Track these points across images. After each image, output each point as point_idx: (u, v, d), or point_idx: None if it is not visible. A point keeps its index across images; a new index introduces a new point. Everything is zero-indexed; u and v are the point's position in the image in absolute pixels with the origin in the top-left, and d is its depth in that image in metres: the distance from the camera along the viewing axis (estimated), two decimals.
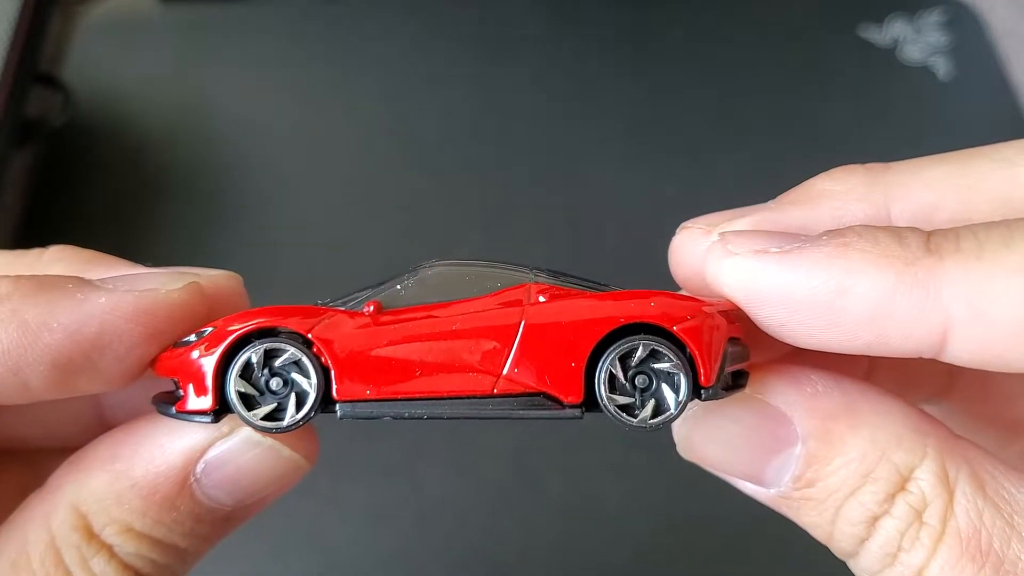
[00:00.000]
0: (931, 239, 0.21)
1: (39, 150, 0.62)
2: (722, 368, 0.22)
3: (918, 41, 0.67)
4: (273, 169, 0.63)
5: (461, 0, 0.70)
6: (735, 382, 0.23)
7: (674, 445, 0.26)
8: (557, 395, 0.22)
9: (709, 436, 0.24)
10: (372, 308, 0.22)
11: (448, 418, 0.22)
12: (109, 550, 0.23)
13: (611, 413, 0.22)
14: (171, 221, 0.60)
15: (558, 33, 0.69)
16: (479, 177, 0.62)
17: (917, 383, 0.31)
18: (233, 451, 0.24)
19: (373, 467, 0.50)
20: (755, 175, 0.56)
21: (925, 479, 0.22)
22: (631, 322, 0.22)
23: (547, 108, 0.65)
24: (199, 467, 0.24)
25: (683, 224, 0.26)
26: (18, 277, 0.23)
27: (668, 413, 0.22)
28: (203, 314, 0.24)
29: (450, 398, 0.22)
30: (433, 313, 0.22)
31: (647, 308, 0.22)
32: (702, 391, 0.22)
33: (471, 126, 0.65)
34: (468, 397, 0.22)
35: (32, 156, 0.61)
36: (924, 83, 0.66)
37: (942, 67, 0.66)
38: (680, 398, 0.22)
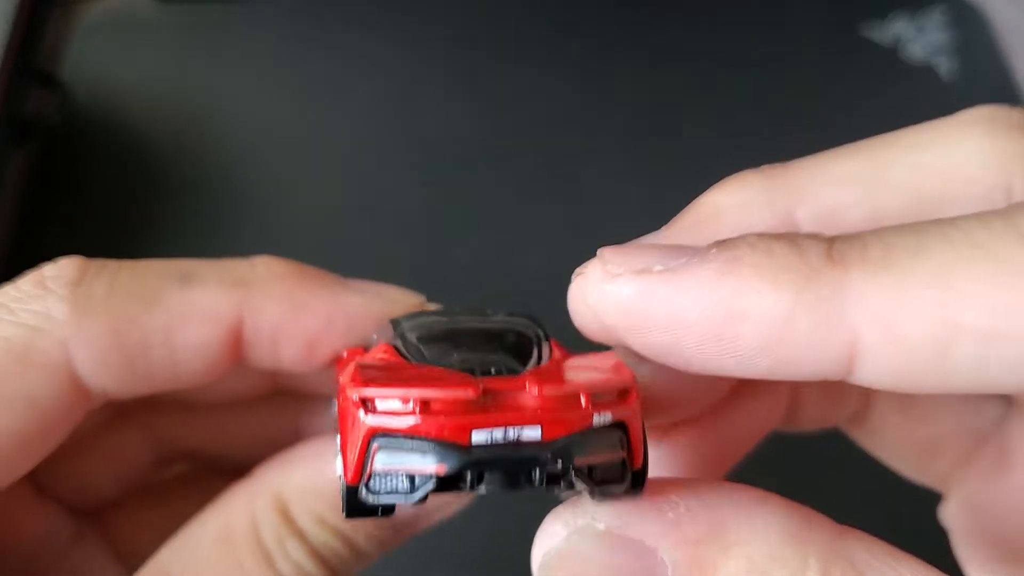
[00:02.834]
0: (834, 247, 0.19)
1: (36, 149, 0.61)
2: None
3: (920, 39, 0.67)
4: (273, 169, 0.62)
5: (462, 1, 0.70)
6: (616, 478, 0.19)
7: None
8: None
9: None
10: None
11: None
12: (302, 535, 0.25)
13: None
14: (170, 220, 0.60)
15: (558, 34, 0.68)
16: (479, 178, 0.62)
17: (839, 404, 0.30)
18: None
19: None
20: None
21: None
22: None
23: (547, 109, 0.65)
24: None
25: (577, 270, 0.23)
26: (291, 263, 0.28)
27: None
28: None
29: None
30: None
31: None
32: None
33: (471, 127, 0.64)
34: None
35: (29, 155, 0.61)
36: (927, 81, 0.65)
37: (945, 65, 0.66)
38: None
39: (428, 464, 0.17)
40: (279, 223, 0.60)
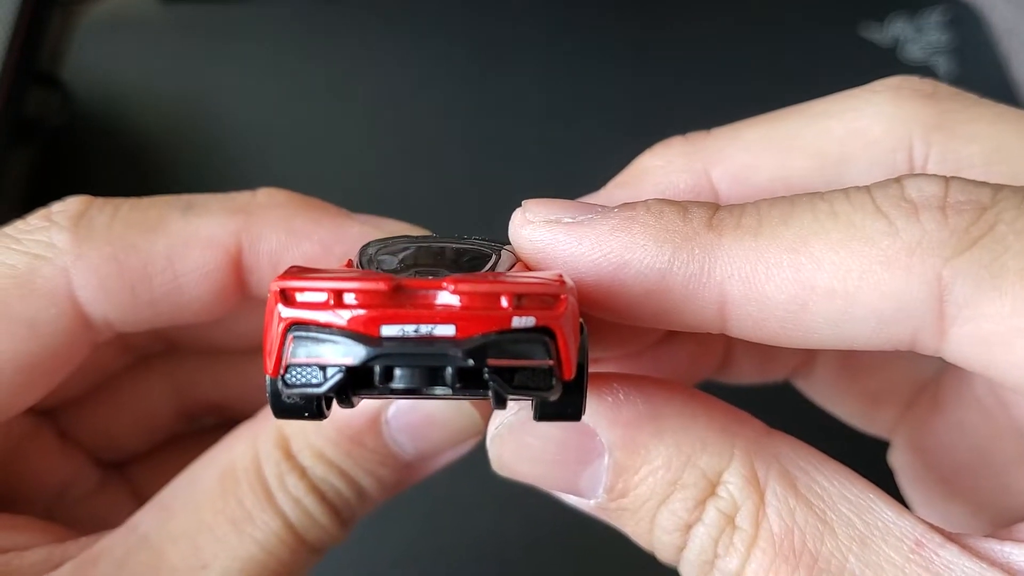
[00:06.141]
0: (716, 215, 0.21)
1: (38, 149, 0.62)
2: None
3: (919, 40, 0.67)
4: (273, 169, 0.62)
5: (461, 1, 0.70)
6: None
7: None
8: None
9: (519, 454, 0.24)
10: None
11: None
12: (302, 470, 0.26)
13: None
14: None
15: (558, 32, 0.68)
16: (479, 177, 0.62)
17: (777, 360, 0.31)
18: (421, 400, 0.25)
19: None
20: None
21: (734, 482, 0.21)
22: None
23: (547, 108, 0.65)
24: (391, 410, 0.26)
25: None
26: (293, 194, 0.29)
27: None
28: None
29: None
30: None
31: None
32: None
33: (471, 126, 0.64)
34: None
35: (31, 155, 0.61)
36: None
37: (943, 66, 0.66)
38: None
39: (338, 356, 0.17)
40: None
